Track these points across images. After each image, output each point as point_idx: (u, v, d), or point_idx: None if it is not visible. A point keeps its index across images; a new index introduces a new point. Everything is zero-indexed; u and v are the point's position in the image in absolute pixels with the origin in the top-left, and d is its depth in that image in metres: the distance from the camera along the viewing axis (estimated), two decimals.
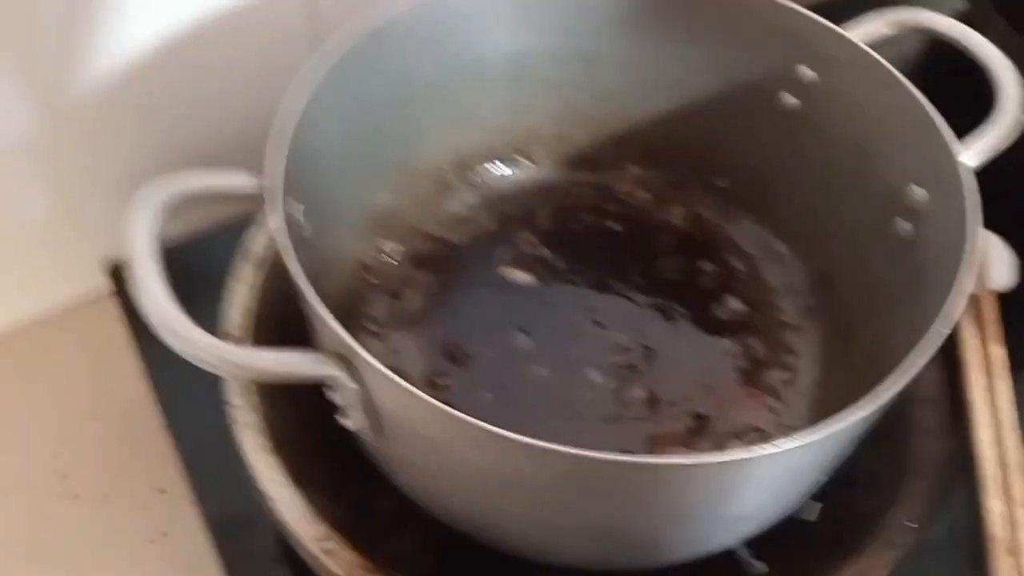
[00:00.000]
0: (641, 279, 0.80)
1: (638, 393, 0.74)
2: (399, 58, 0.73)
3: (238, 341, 0.71)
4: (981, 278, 0.82)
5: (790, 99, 0.76)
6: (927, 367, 0.57)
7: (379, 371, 0.53)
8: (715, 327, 0.78)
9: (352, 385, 0.56)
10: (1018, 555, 0.72)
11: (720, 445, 0.72)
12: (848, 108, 0.73)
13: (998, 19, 0.84)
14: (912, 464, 0.71)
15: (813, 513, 0.69)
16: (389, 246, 0.80)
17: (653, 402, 0.73)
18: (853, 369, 0.73)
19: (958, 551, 0.75)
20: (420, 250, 0.81)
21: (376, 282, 0.78)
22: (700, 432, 0.72)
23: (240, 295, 0.73)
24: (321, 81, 0.66)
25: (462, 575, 0.68)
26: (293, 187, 0.62)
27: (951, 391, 0.75)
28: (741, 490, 0.57)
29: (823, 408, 0.73)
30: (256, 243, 0.75)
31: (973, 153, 0.66)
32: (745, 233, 0.83)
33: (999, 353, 0.81)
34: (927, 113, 0.67)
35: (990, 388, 0.80)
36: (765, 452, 0.52)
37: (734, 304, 0.79)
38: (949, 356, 0.76)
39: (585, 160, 0.85)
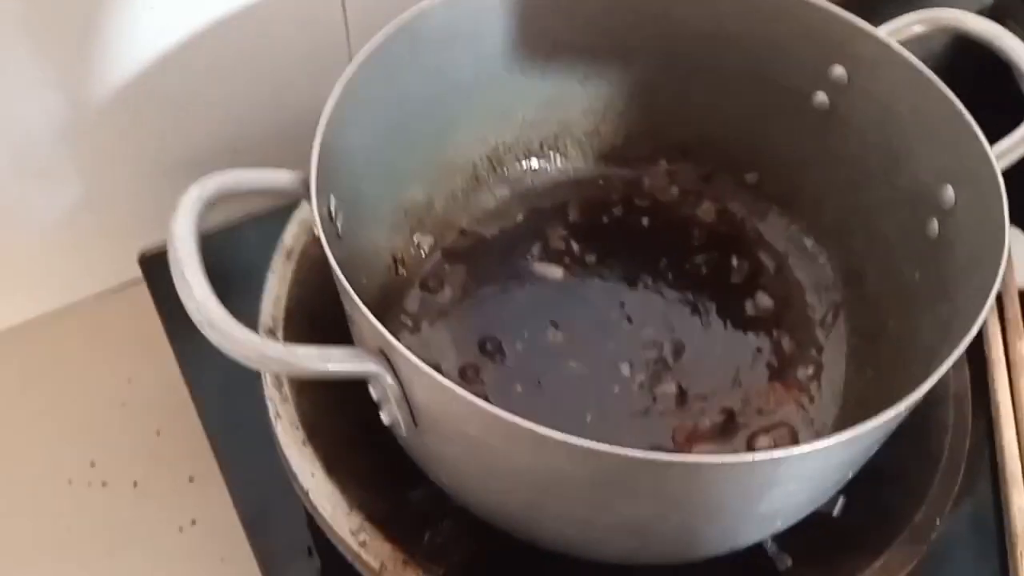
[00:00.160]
0: (671, 274, 0.81)
1: (668, 388, 0.74)
2: (432, 52, 0.74)
3: (272, 335, 0.71)
4: (1005, 276, 0.82)
5: (823, 97, 0.76)
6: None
7: (417, 366, 0.54)
8: (744, 322, 0.79)
9: (390, 380, 0.57)
10: None
11: (749, 440, 0.72)
12: (881, 107, 0.73)
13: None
14: (936, 460, 0.71)
15: (836, 507, 0.70)
16: (422, 240, 0.80)
17: (683, 397, 0.74)
18: (880, 365, 0.74)
19: (981, 546, 0.76)
20: (452, 244, 0.81)
21: (409, 275, 0.79)
22: (729, 427, 0.73)
23: (273, 288, 0.74)
24: (355, 75, 0.67)
25: (496, 568, 0.68)
26: (330, 182, 0.63)
27: (975, 388, 0.75)
28: (777, 487, 0.57)
29: (851, 404, 0.74)
30: (289, 236, 0.76)
31: (1003, 154, 0.67)
32: (774, 229, 0.83)
33: (1023, 350, 0.81)
34: (960, 114, 0.67)
35: (1014, 385, 0.80)
36: (804, 450, 0.53)
37: (763, 300, 0.80)
38: (973, 353, 0.76)
39: (616, 154, 0.86)
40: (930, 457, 0.72)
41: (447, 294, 0.79)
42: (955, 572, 0.75)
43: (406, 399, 0.58)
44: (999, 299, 0.83)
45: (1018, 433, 0.78)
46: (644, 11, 0.78)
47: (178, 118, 0.85)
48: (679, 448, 0.71)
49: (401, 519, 0.66)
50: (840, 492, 0.67)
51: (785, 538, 0.67)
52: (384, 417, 0.60)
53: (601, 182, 0.86)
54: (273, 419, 0.69)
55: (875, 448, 0.61)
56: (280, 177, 0.62)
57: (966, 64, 0.78)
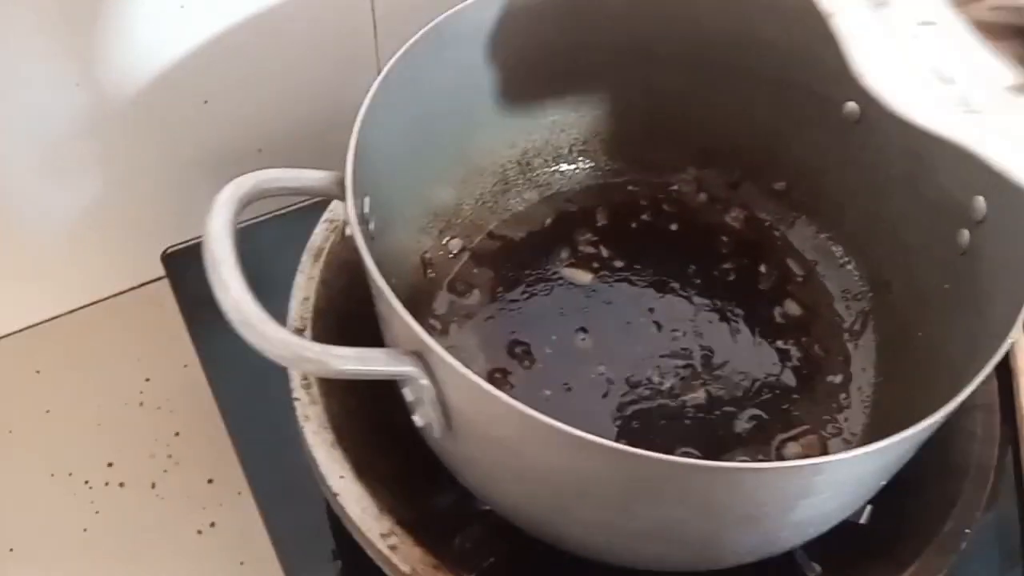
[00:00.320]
0: (699, 280, 0.80)
1: (697, 394, 0.74)
2: (462, 53, 0.74)
3: (301, 336, 0.71)
4: None
5: (853, 106, 0.76)
6: None
7: (455, 368, 0.54)
8: (772, 330, 0.78)
9: (425, 382, 0.56)
10: None
11: (778, 447, 0.72)
12: None
13: None
14: (964, 470, 0.71)
15: (863, 515, 0.69)
16: (450, 242, 0.80)
17: (711, 403, 0.74)
18: (908, 374, 0.74)
19: (1006, 555, 0.75)
20: (481, 247, 0.81)
21: (437, 278, 0.79)
22: (758, 434, 0.73)
23: (301, 289, 0.73)
24: (389, 76, 0.67)
25: (525, 572, 0.68)
26: (363, 184, 0.63)
27: (1001, 398, 0.75)
28: (813, 494, 0.57)
29: (879, 412, 0.74)
30: (317, 237, 0.76)
31: None
32: (802, 237, 0.83)
33: None
34: None
35: None
36: (844, 457, 0.53)
37: (791, 307, 0.79)
38: (1000, 363, 0.76)
39: (644, 160, 0.86)
40: (958, 467, 0.71)
41: (475, 297, 0.79)
42: None
43: (441, 401, 0.57)
44: None
45: None
46: (672, 15, 0.78)
47: (203, 117, 0.85)
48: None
49: (431, 523, 0.66)
50: (867, 500, 0.67)
51: (814, 546, 0.67)
52: (417, 419, 0.60)
53: (629, 187, 0.85)
54: (300, 421, 0.68)
55: (908, 456, 0.61)
56: (315, 177, 0.62)
57: None
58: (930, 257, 0.73)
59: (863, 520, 0.69)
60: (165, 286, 0.85)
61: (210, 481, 0.82)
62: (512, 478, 0.61)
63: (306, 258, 0.74)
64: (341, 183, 0.62)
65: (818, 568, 0.69)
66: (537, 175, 0.85)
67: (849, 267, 0.81)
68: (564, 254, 0.81)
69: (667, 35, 0.79)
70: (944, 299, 0.72)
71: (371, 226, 0.65)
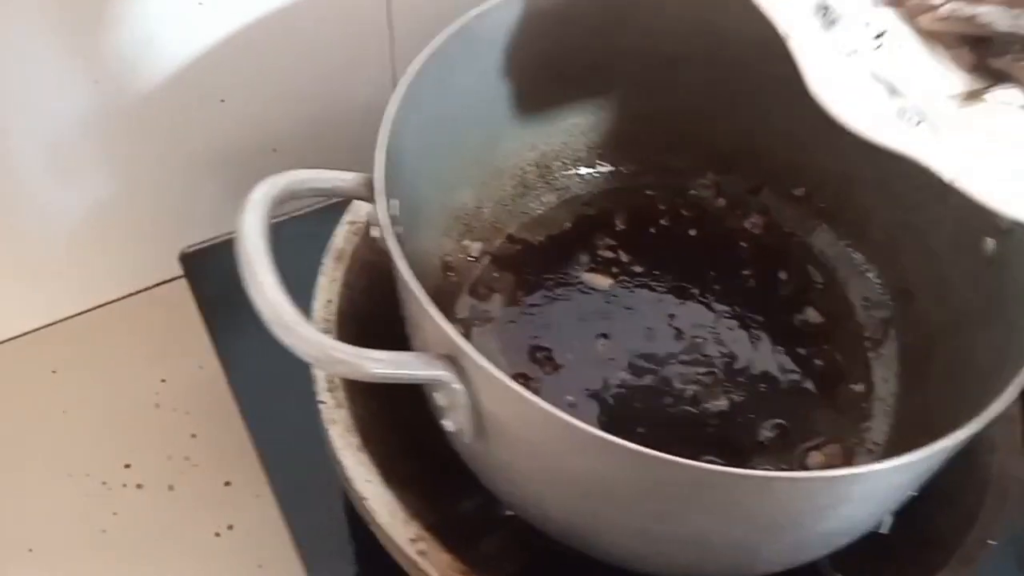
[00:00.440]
0: (718, 286, 0.80)
1: (719, 401, 0.74)
2: (487, 54, 0.74)
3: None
4: None
5: None
6: None
7: (490, 372, 0.54)
8: (794, 337, 0.78)
9: (458, 387, 0.56)
10: None
11: (801, 456, 0.72)
12: None
13: None
14: (986, 480, 0.71)
15: (887, 525, 0.69)
16: (471, 245, 0.80)
17: (734, 411, 0.74)
18: (933, 384, 0.73)
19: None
20: (501, 250, 0.81)
21: (459, 281, 0.78)
22: (781, 442, 0.72)
23: (324, 291, 0.73)
24: (416, 76, 0.66)
25: None
26: (391, 186, 0.62)
27: (1022, 407, 0.75)
28: (843, 504, 0.57)
29: (903, 422, 0.74)
30: (339, 239, 0.75)
31: None
32: (823, 244, 0.83)
33: None
34: None
35: None
36: (879, 468, 0.53)
37: (812, 315, 0.79)
38: None
39: (663, 164, 0.85)
40: (980, 477, 0.71)
41: (496, 301, 0.78)
42: None
43: (473, 406, 0.57)
44: None
45: None
46: (692, 19, 0.78)
47: (218, 117, 0.85)
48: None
49: (458, 529, 0.66)
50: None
51: (837, 556, 0.67)
52: (448, 424, 0.59)
53: (648, 192, 0.85)
54: (326, 424, 0.68)
55: (940, 466, 0.61)
56: (345, 179, 0.62)
57: None
58: (953, 265, 0.73)
59: (885, 530, 0.69)
60: (180, 286, 0.85)
61: (227, 483, 0.81)
62: (545, 484, 0.61)
63: (328, 260, 0.74)
64: (370, 185, 0.61)
65: None
66: (556, 178, 0.84)
67: (870, 275, 0.81)
68: (583, 258, 0.81)
69: (690, 39, 0.79)
70: (968, 308, 0.71)
71: (400, 229, 0.64)
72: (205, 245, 0.83)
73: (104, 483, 0.82)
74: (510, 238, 0.82)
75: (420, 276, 0.71)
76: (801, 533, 0.60)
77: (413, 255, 0.70)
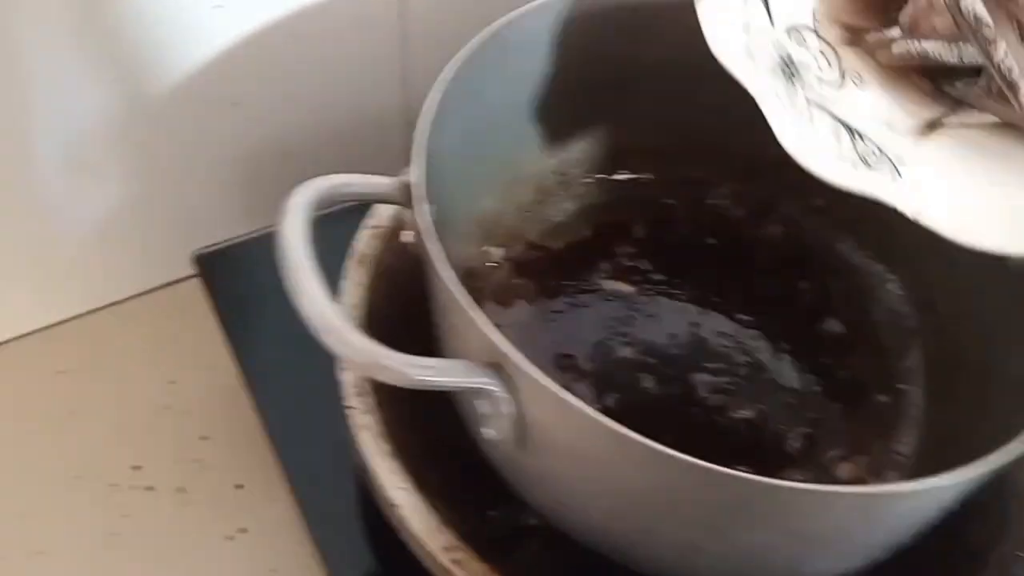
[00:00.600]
0: (739, 295, 0.80)
1: (744, 411, 0.74)
2: (517, 60, 0.73)
3: None
4: None
5: None
6: None
7: (539, 382, 0.53)
8: (817, 347, 0.78)
9: (503, 395, 0.55)
10: None
11: (828, 468, 0.72)
12: None
13: None
14: (1018, 491, 0.71)
15: None
16: (491, 251, 0.79)
17: (761, 421, 0.73)
18: (961, 395, 0.73)
19: None
20: (522, 257, 0.80)
21: (481, 288, 0.78)
22: (810, 452, 0.72)
23: (348, 296, 0.72)
24: (451, 80, 0.66)
25: None
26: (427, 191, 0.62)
27: None
28: (888, 519, 0.57)
29: (930, 432, 0.74)
30: (362, 243, 0.75)
31: None
32: (843, 254, 0.83)
33: None
34: None
35: None
36: (936, 484, 0.53)
37: (835, 325, 0.79)
38: None
39: (682, 173, 0.85)
40: (1009, 489, 0.71)
41: (519, 308, 0.78)
42: None
43: (518, 415, 0.56)
44: None
45: None
46: None
47: (233, 119, 0.85)
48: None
49: (492, 538, 0.65)
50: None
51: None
52: (489, 433, 0.58)
53: (667, 200, 0.85)
54: (355, 430, 0.67)
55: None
56: (384, 183, 0.62)
57: None
58: (977, 274, 0.72)
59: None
60: (190, 286, 0.84)
61: (239, 486, 0.80)
62: (587, 495, 0.60)
63: (351, 264, 0.73)
64: (407, 189, 0.61)
65: None
66: (575, 186, 0.84)
67: (891, 285, 0.81)
68: (604, 266, 0.81)
69: (708, 48, 0.78)
70: (995, 318, 0.71)
71: None
72: (221, 247, 0.83)
73: (113, 485, 0.81)
74: (530, 244, 0.81)
75: None
76: (845, 546, 0.60)
77: None
